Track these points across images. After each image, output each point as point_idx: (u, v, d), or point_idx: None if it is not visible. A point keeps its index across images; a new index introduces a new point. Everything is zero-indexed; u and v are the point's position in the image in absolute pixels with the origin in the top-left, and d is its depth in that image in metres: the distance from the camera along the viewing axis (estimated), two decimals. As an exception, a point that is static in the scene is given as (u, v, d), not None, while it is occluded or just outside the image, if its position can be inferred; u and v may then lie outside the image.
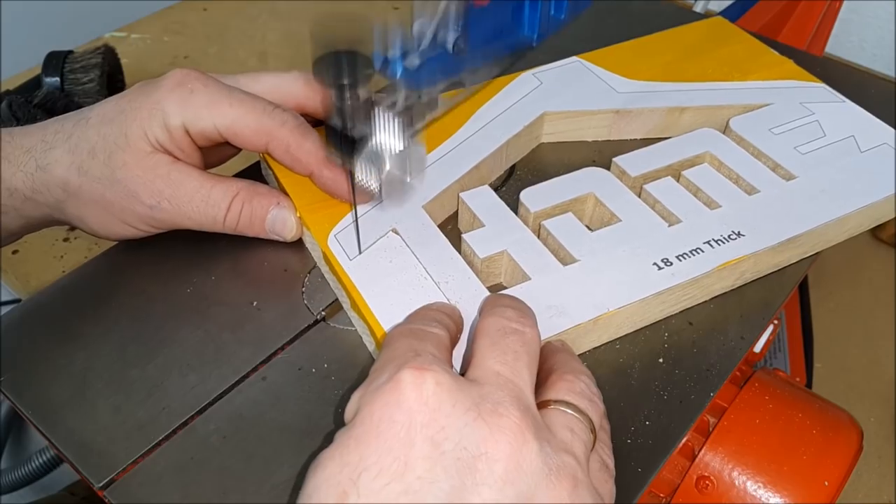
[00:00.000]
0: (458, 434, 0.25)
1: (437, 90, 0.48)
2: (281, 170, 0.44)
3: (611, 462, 0.32)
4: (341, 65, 0.37)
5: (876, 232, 0.83)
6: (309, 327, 0.40)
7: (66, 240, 0.66)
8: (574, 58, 0.53)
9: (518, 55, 0.53)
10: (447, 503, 0.24)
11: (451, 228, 0.45)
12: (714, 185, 0.44)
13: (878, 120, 0.49)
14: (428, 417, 0.26)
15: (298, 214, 0.43)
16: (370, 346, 0.39)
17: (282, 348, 0.39)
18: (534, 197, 0.43)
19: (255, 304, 0.41)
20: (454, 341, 0.34)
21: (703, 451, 0.43)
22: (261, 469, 0.35)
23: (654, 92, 0.50)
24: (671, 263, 0.40)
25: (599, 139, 0.51)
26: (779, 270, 0.44)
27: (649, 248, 0.41)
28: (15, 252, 0.65)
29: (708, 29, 0.57)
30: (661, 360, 0.39)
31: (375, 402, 0.27)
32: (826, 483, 0.42)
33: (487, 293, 0.38)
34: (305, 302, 0.41)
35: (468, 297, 0.38)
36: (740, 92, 0.51)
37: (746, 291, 0.43)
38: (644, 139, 0.51)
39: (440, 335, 0.32)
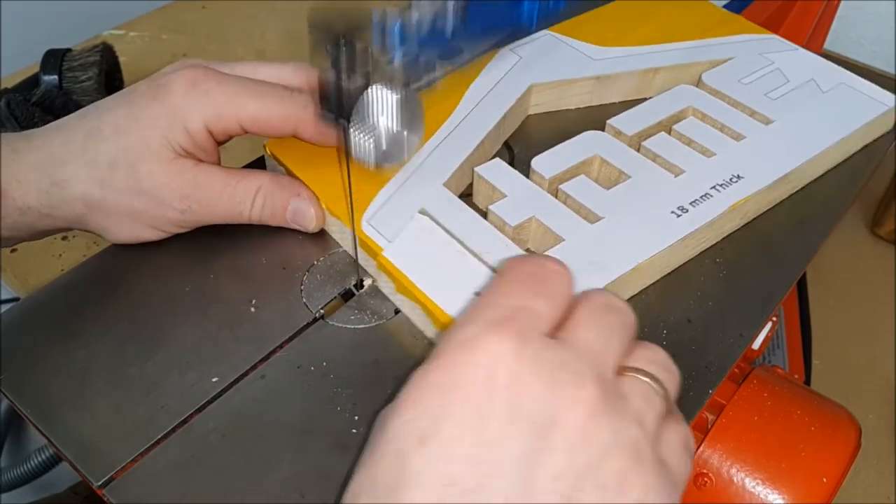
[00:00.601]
0: (535, 399, 0.26)
1: (435, 52, 0.48)
2: (296, 165, 0.45)
3: (692, 441, 0.31)
4: (338, 15, 0.37)
5: (874, 228, 0.83)
6: (308, 325, 0.40)
7: (64, 238, 0.66)
8: (545, 31, 0.56)
9: (516, 36, 0.53)
10: (518, 462, 0.25)
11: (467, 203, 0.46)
12: (704, 136, 0.48)
13: (830, 63, 0.54)
14: (509, 379, 0.26)
15: (325, 206, 0.43)
16: (423, 324, 0.40)
17: (280, 346, 0.39)
18: (545, 164, 0.46)
19: (253, 302, 0.41)
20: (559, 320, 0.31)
21: (701, 448, 0.43)
22: (260, 467, 0.35)
23: (627, 56, 0.54)
24: (687, 210, 0.43)
25: (582, 106, 0.54)
26: (777, 267, 0.44)
27: (663, 199, 0.44)
28: (13, 251, 0.65)
29: None
30: (659, 358, 0.39)
31: (459, 354, 0.27)
32: (824, 480, 0.42)
33: None
34: (304, 300, 0.42)
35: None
36: (704, 49, 0.55)
37: (745, 288, 0.43)
38: (622, 102, 0.54)
39: (552, 306, 0.29)
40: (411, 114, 0.40)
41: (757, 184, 0.45)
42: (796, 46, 0.55)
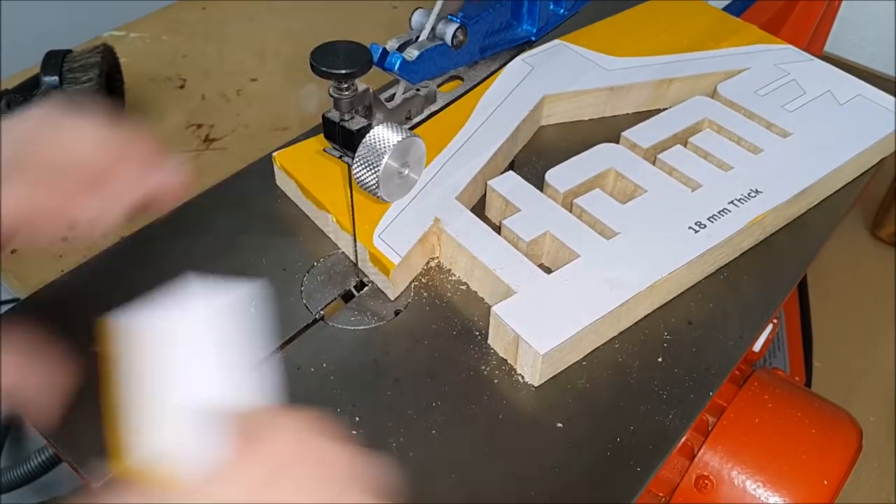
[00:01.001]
0: None
1: (436, 84, 0.48)
2: (308, 179, 0.45)
3: None
4: (338, 57, 0.37)
5: (875, 231, 0.83)
6: (308, 327, 0.40)
7: (64, 239, 0.66)
8: (556, 41, 0.55)
9: (517, 50, 0.53)
10: None
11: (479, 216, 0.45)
12: (721, 149, 0.47)
13: (847, 74, 0.53)
14: None
15: (336, 220, 0.43)
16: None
17: (281, 347, 0.39)
18: (559, 177, 0.45)
19: (253, 303, 0.41)
20: None
21: (702, 451, 0.43)
22: (259, 469, 0.34)
23: (640, 67, 0.53)
24: (704, 226, 0.42)
25: (595, 117, 0.53)
26: (778, 269, 0.44)
27: (680, 214, 0.43)
28: (14, 251, 0.65)
29: (673, 3, 0.59)
30: (660, 360, 0.39)
31: None
32: (825, 482, 0.42)
33: (544, 275, 0.40)
34: (304, 301, 0.41)
35: (525, 279, 0.39)
36: (718, 59, 0.54)
37: (746, 290, 0.43)
38: (636, 112, 0.53)
39: None
40: (413, 152, 0.40)
41: (776, 198, 0.44)
42: (812, 57, 0.54)
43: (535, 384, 0.38)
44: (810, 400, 0.46)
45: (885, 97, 0.51)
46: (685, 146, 0.47)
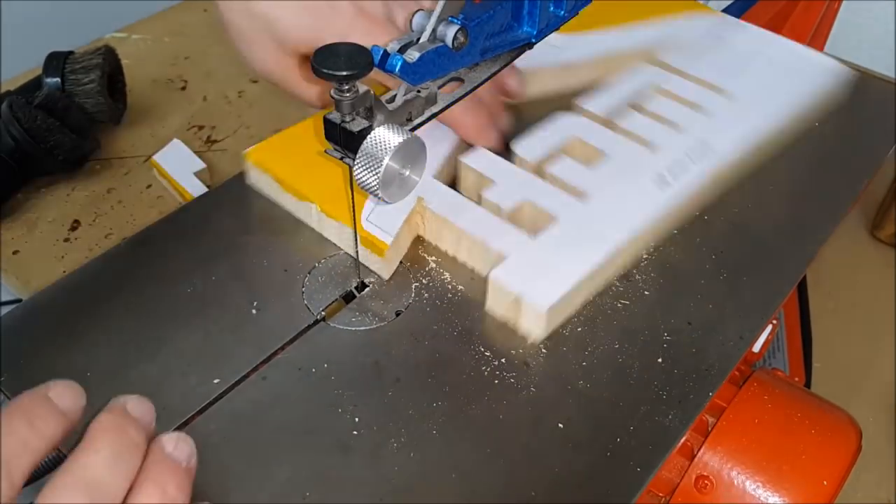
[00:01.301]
0: None
1: (436, 86, 0.48)
2: (286, 172, 0.45)
3: None
4: (340, 59, 0.37)
5: (874, 231, 0.83)
6: (309, 327, 0.41)
7: (66, 240, 0.66)
8: None
9: (517, 51, 0.53)
10: None
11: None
12: (673, 112, 0.51)
13: (778, 36, 0.58)
14: None
15: (322, 209, 0.44)
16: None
17: (282, 348, 0.40)
18: (526, 148, 0.48)
19: (255, 304, 0.41)
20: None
21: (702, 451, 0.43)
22: (262, 468, 0.35)
23: (588, 43, 0.57)
24: (668, 181, 0.46)
25: (549, 92, 0.55)
26: (777, 269, 0.44)
27: (645, 174, 0.47)
28: (15, 252, 0.65)
29: None
30: (660, 360, 0.40)
31: None
32: (825, 483, 0.42)
33: (530, 238, 0.42)
34: (305, 302, 0.42)
35: (512, 243, 0.42)
36: (659, 29, 0.58)
37: (745, 291, 0.43)
38: (584, 85, 0.55)
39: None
40: (414, 153, 0.40)
41: (726, 150, 0.48)
42: (745, 24, 0.59)
43: (539, 340, 0.40)
44: (810, 400, 0.46)
45: (818, 56, 0.56)
46: (638, 111, 0.51)
